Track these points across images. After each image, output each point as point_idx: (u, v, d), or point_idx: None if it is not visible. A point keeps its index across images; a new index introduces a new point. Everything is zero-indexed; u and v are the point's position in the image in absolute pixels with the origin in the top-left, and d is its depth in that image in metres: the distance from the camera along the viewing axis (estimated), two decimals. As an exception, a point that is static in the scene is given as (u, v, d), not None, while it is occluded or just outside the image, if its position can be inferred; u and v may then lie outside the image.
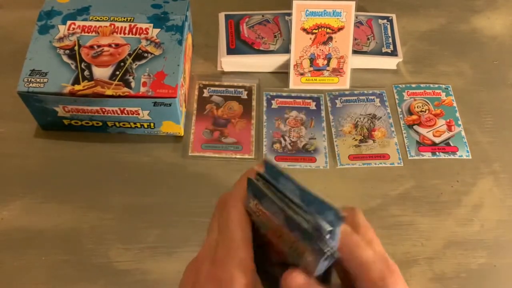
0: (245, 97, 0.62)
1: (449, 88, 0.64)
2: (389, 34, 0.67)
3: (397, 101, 0.63)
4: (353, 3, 0.61)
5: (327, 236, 0.28)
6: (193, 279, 0.36)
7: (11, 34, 0.66)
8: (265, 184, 0.31)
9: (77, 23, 0.56)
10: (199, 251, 0.38)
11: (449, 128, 0.61)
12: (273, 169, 0.31)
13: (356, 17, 0.67)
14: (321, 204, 0.28)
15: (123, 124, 0.56)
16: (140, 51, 0.54)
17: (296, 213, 0.29)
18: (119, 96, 0.51)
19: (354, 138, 0.59)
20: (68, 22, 0.56)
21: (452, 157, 0.58)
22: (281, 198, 0.30)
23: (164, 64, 0.53)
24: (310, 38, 0.62)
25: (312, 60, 0.63)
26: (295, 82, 0.63)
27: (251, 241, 0.34)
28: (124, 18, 0.57)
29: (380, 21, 0.68)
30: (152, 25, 0.56)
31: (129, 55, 0.54)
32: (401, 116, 0.62)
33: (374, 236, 0.36)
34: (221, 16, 0.67)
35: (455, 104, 0.63)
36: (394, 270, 0.35)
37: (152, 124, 0.56)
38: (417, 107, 0.62)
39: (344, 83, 0.63)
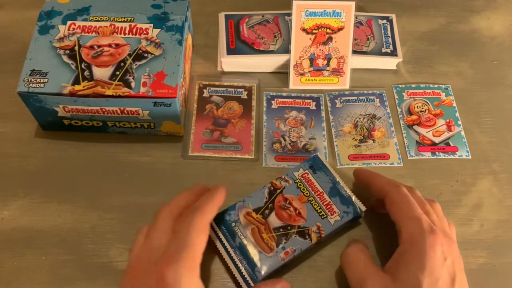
0: (245, 97, 0.62)
1: (448, 88, 0.64)
2: (389, 34, 0.67)
3: (397, 101, 0.63)
4: (353, 3, 0.61)
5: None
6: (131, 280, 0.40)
7: (11, 34, 0.66)
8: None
9: (77, 23, 0.56)
10: (134, 255, 0.42)
11: (449, 128, 0.61)
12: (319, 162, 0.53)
13: (356, 17, 0.67)
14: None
15: (123, 124, 0.56)
16: (140, 51, 0.54)
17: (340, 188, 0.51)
18: (119, 96, 0.51)
19: (354, 138, 0.59)
20: (68, 22, 0.56)
21: (451, 157, 0.59)
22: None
23: (164, 64, 0.53)
24: (310, 38, 0.62)
25: (312, 60, 0.63)
26: (295, 82, 0.63)
27: (202, 248, 0.41)
28: (124, 18, 0.57)
29: (380, 21, 0.68)
30: (152, 25, 0.56)
31: (129, 55, 0.54)
32: (401, 116, 0.62)
33: (435, 208, 0.47)
34: (221, 16, 0.67)
35: (454, 104, 0.63)
36: (435, 232, 0.42)
37: (152, 124, 0.56)
38: (417, 107, 0.62)
39: (344, 83, 0.64)
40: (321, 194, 0.50)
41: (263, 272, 0.46)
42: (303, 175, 0.51)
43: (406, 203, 0.45)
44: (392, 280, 0.41)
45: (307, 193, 0.50)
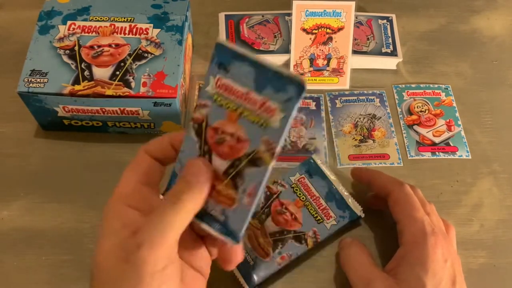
0: (245, 97, 0.62)
1: (449, 88, 0.64)
2: (389, 34, 0.67)
3: (397, 101, 0.63)
4: (353, 3, 0.61)
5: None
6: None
7: (11, 34, 0.66)
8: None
9: (77, 23, 0.56)
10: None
11: (449, 128, 0.61)
12: (227, 51, 0.31)
13: (356, 17, 0.67)
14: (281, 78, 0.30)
15: (123, 124, 0.56)
16: (140, 51, 0.54)
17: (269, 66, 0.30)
18: (119, 96, 0.51)
19: (354, 138, 0.59)
20: (68, 22, 0.56)
21: (452, 157, 0.59)
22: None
23: (164, 64, 0.53)
24: (310, 38, 0.62)
25: (312, 60, 0.63)
26: (295, 82, 0.63)
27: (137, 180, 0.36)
28: (124, 18, 0.57)
29: (380, 21, 0.68)
30: (152, 25, 0.56)
31: (129, 55, 0.54)
32: (401, 116, 0.62)
33: (432, 209, 0.47)
34: (221, 16, 0.67)
35: (455, 104, 0.63)
36: (437, 233, 0.42)
37: (152, 124, 0.56)
38: (417, 107, 0.62)
39: (344, 83, 0.64)
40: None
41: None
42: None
43: (409, 203, 0.45)
44: (396, 282, 0.41)
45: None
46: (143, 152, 0.37)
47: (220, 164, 0.33)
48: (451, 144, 0.59)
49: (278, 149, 0.31)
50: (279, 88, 0.30)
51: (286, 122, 0.30)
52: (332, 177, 0.52)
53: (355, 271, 0.44)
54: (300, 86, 0.29)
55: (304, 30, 0.61)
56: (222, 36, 0.64)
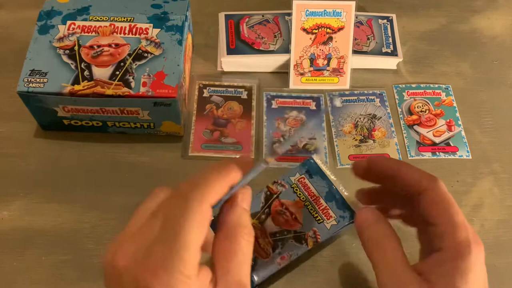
0: (245, 97, 0.62)
1: (449, 88, 0.64)
2: (389, 34, 0.67)
3: (397, 101, 0.63)
4: (353, 3, 0.61)
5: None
6: (115, 281, 0.30)
7: (11, 34, 0.66)
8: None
9: (77, 23, 0.56)
10: (120, 239, 0.31)
11: (449, 128, 0.61)
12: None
13: (356, 17, 0.67)
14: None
15: (123, 124, 0.56)
16: (140, 51, 0.54)
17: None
18: (119, 96, 0.51)
19: (354, 138, 0.59)
20: (68, 22, 0.56)
21: (452, 157, 0.58)
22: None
23: (164, 64, 0.53)
24: (310, 38, 0.62)
25: (312, 60, 0.63)
26: (295, 82, 0.63)
27: (200, 245, 0.31)
28: (124, 18, 0.57)
29: (380, 21, 0.68)
30: (152, 25, 0.56)
31: (129, 55, 0.54)
32: (401, 116, 0.62)
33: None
34: (221, 16, 0.67)
35: (455, 104, 0.63)
36: (480, 243, 0.38)
37: (152, 124, 0.56)
38: (417, 107, 0.62)
39: (344, 83, 0.64)
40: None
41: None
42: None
43: (451, 204, 0.39)
44: None
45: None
46: (208, 206, 0.32)
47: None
48: (452, 144, 0.59)
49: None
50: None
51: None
52: (332, 177, 0.52)
53: (384, 267, 0.38)
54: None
55: (304, 30, 0.61)
56: (222, 36, 0.64)
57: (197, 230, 0.30)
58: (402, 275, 0.36)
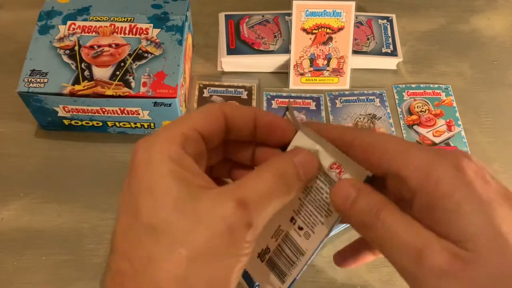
0: (245, 97, 0.62)
1: (449, 88, 0.64)
2: (389, 34, 0.67)
3: (397, 101, 0.63)
4: (353, 3, 0.61)
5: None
6: None
7: (11, 34, 0.66)
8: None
9: (77, 23, 0.56)
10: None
11: (449, 128, 0.61)
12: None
13: (356, 17, 0.67)
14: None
15: (123, 124, 0.56)
16: (140, 51, 0.54)
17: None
18: (119, 96, 0.51)
19: (354, 138, 0.59)
20: (68, 22, 0.56)
21: (452, 157, 0.58)
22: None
23: (164, 64, 0.53)
24: (310, 38, 0.62)
25: (312, 60, 0.63)
26: (295, 82, 0.63)
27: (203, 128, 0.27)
28: (124, 18, 0.57)
29: (380, 21, 0.68)
30: (152, 25, 0.56)
31: (129, 55, 0.54)
32: (401, 116, 0.62)
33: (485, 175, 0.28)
34: (221, 16, 0.67)
35: (455, 104, 0.63)
36: (445, 154, 0.26)
37: (152, 124, 0.56)
38: (417, 107, 0.62)
39: (344, 83, 0.64)
40: None
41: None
42: None
43: (390, 141, 0.29)
44: (465, 249, 0.24)
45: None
46: (221, 111, 0.28)
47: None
48: (451, 144, 0.59)
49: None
50: None
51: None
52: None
53: (393, 236, 0.25)
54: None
55: (304, 30, 0.61)
56: (222, 36, 0.64)
57: (198, 110, 0.28)
58: (414, 238, 0.24)
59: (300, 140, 0.29)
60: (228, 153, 0.32)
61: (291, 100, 0.62)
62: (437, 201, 0.24)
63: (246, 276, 0.45)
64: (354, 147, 0.28)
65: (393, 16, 0.69)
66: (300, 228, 0.30)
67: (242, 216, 0.24)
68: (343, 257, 0.36)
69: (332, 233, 0.48)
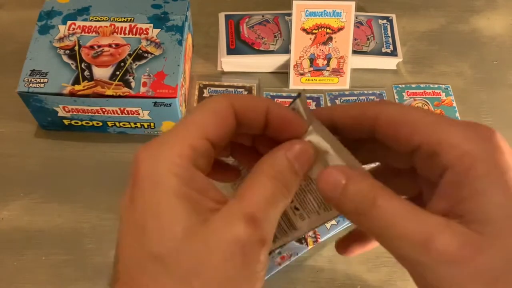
0: (245, 97, 0.62)
1: (449, 88, 0.64)
2: (389, 34, 0.67)
3: (397, 101, 0.63)
4: (353, 3, 0.61)
5: None
6: None
7: (11, 34, 0.66)
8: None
9: (77, 23, 0.56)
10: None
11: (449, 128, 0.61)
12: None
13: (356, 17, 0.67)
14: None
15: (123, 124, 0.56)
16: (140, 51, 0.54)
17: None
18: (119, 96, 0.51)
19: (354, 138, 0.59)
20: (68, 22, 0.56)
21: (452, 157, 0.58)
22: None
23: (164, 64, 0.53)
24: (310, 38, 0.62)
25: (312, 60, 0.63)
26: (295, 82, 0.63)
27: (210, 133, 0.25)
28: (124, 18, 0.57)
29: (380, 21, 0.68)
30: (152, 25, 0.56)
31: (129, 55, 0.54)
32: (401, 116, 0.62)
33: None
34: (221, 16, 0.67)
35: (455, 104, 0.63)
36: (490, 130, 0.26)
37: (152, 124, 0.56)
38: (417, 107, 0.62)
39: (344, 83, 0.64)
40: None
41: None
42: None
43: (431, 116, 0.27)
44: (479, 233, 0.23)
45: None
46: (231, 108, 0.26)
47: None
48: (451, 144, 0.59)
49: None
50: None
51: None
52: None
53: (393, 224, 0.23)
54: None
55: (304, 30, 0.61)
56: (222, 36, 0.64)
57: (204, 112, 0.25)
58: (418, 223, 0.23)
59: (312, 137, 0.27)
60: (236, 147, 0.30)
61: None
62: (469, 180, 0.23)
63: None
64: (380, 122, 0.26)
65: (393, 16, 0.69)
66: (296, 209, 0.30)
67: (254, 233, 0.22)
68: (346, 243, 0.34)
69: (332, 233, 0.49)
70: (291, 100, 0.62)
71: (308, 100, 0.62)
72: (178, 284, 0.21)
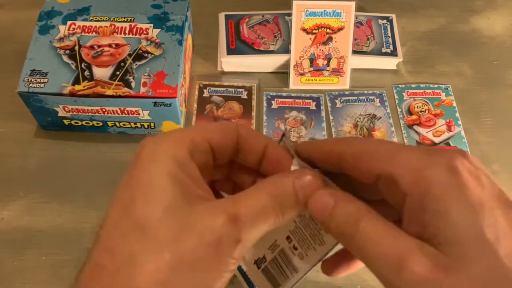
0: (245, 97, 0.62)
1: (448, 88, 0.64)
2: (389, 34, 0.67)
3: (397, 101, 0.63)
4: (353, 3, 0.61)
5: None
6: None
7: (11, 34, 0.66)
8: None
9: (78, 23, 0.56)
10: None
11: (449, 128, 0.61)
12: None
13: (356, 17, 0.67)
14: None
15: (123, 124, 0.56)
16: (140, 51, 0.54)
17: None
18: (119, 96, 0.51)
19: (354, 138, 0.59)
20: (68, 22, 0.56)
21: (452, 157, 0.58)
22: None
23: (164, 64, 0.53)
24: (310, 38, 0.62)
25: (312, 60, 0.63)
26: (295, 82, 0.63)
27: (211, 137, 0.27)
28: (124, 18, 0.57)
29: (380, 21, 0.68)
30: (152, 25, 0.56)
31: (129, 55, 0.54)
32: (401, 116, 0.62)
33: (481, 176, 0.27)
34: (221, 16, 0.67)
35: (454, 104, 0.63)
36: (442, 152, 0.25)
37: (152, 124, 0.56)
38: (417, 107, 0.62)
39: (344, 83, 0.64)
40: None
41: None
42: None
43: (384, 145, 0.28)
44: (446, 255, 0.23)
45: None
46: (236, 131, 0.29)
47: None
48: (451, 144, 0.59)
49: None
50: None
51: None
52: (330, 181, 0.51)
53: (373, 245, 0.24)
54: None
55: (304, 30, 0.61)
56: (222, 36, 0.64)
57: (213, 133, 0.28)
58: (393, 244, 0.24)
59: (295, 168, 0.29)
60: (232, 174, 0.32)
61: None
62: (427, 203, 0.24)
63: (245, 277, 0.45)
64: (345, 156, 0.27)
65: (393, 16, 0.69)
66: (295, 248, 0.31)
67: (232, 231, 0.24)
68: (332, 264, 0.35)
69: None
70: (291, 100, 0.62)
71: (308, 100, 0.62)
72: (152, 253, 0.23)
